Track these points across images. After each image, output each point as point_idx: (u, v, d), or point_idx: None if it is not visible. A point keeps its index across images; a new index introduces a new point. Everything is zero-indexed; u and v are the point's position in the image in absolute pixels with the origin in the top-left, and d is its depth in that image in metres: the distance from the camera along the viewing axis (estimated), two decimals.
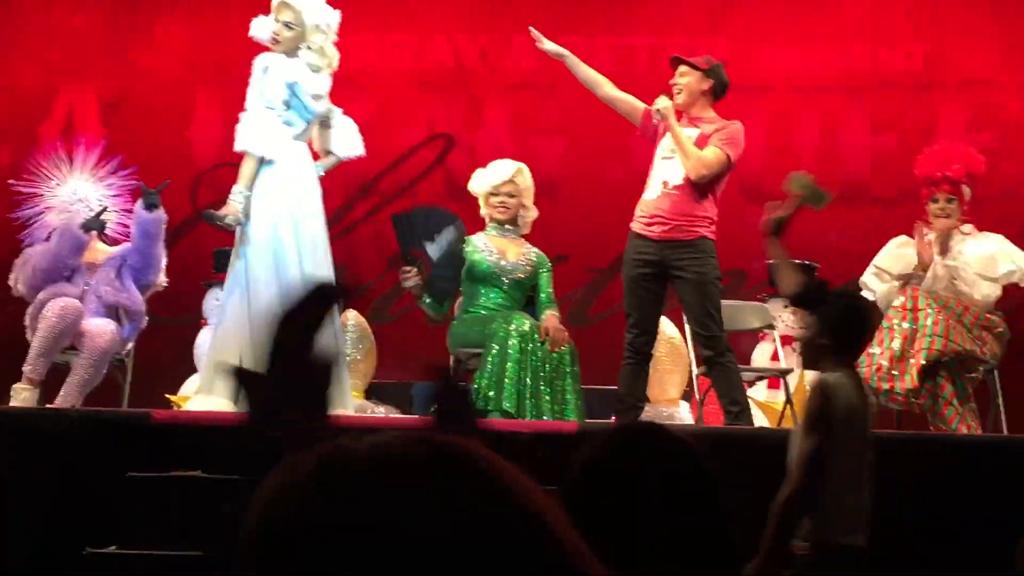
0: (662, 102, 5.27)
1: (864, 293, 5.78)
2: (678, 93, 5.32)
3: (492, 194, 5.66)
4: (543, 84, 7.76)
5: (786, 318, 6.70)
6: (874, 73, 7.65)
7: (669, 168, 5.27)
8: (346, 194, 7.80)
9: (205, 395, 5.08)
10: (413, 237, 5.54)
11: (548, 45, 5.53)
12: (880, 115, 7.65)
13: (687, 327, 5.67)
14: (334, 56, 5.48)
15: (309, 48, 5.37)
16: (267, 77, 5.30)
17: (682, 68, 5.35)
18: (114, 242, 6.38)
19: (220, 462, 3.98)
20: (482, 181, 5.70)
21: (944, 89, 7.60)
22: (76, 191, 6.26)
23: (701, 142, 5.26)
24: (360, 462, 0.74)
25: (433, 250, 5.49)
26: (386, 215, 7.82)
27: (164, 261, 5.99)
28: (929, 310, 5.24)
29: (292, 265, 5.21)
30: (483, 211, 5.74)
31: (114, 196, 6.19)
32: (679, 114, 5.33)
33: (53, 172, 6.22)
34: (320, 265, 5.29)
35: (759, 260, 7.19)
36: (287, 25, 5.34)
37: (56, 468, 3.99)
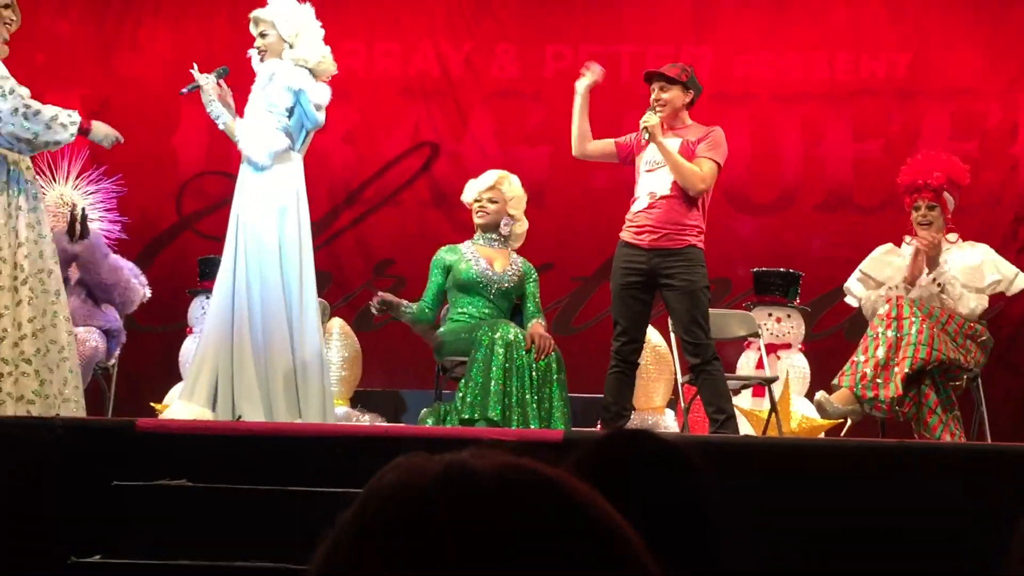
0: (651, 120, 5.25)
1: (848, 299, 5.81)
2: (662, 108, 5.30)
3: (475, 200, 5.70)
4: (528, 92, 7.77)
5: (771, 326, 6.73)
6: (857, 81, 7.69)
7: (655, 179, 5.27)
8: (332, 201, 7.79)
9: (186, 400, 5.08)
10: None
11: (586, 81, 5.42)
12: (863, 123, 7.68)
13: (672, 335, 5.69)
14: (327, 53, 5.40)
15: (292, 47, 5.32)
16: (272, 84, 5.28)
17: (663, 83, 5.32)
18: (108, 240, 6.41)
19: (206, 470, 3.97)
20: (470, 188, 5.74)
21: (927, 97, 7.63)
22: (62, 196, 6.27)
23: (685, 150, 5.26)
24: (484, 481, 0.81)
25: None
26: (371, 222, 7.84)
27: (129, 276, 5.97)
28: (913, 318, 5.26)
29: (275, 270, 5.20)
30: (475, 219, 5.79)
31: (100, 203, 6.19)
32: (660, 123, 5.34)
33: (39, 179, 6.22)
34: (305, 273, 5.28)
35: (744, 268, 7.22)
36: (263, 35, 5.32)
37: (40, 477, 3.97)
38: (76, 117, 4.64)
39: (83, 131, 4.69)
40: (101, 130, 4.72)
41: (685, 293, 5.19)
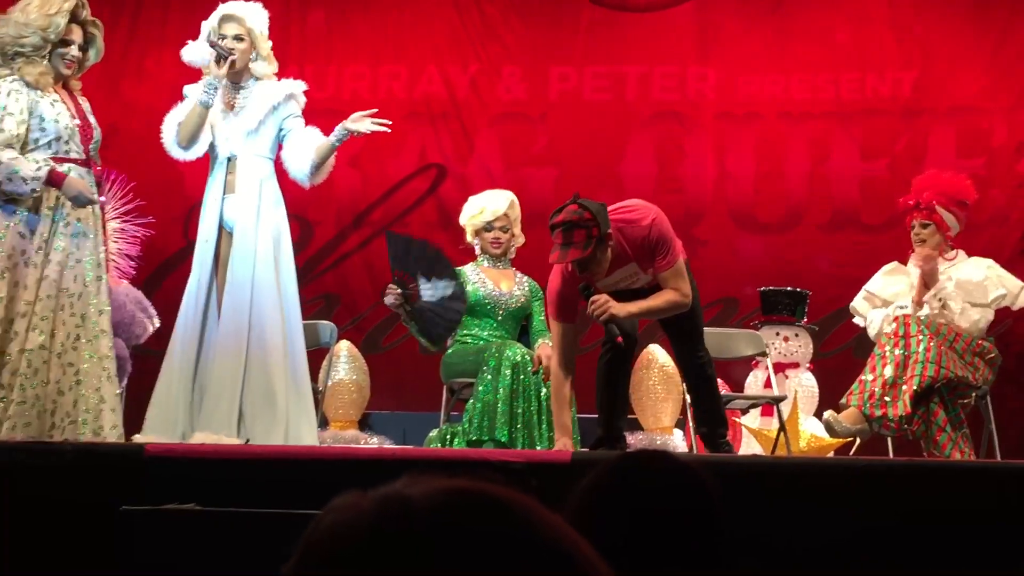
0: (601, 311, 4.51)
1: (856, 320, 5.80)
2: (597, 273, 4.59)
3: (486, 229, 5.64)
4: (534, 114, 7.79)
5: (778, 345, 6.72)
6: (863, 100, 7.69)
7: (628, 293, 4.75)
8: (339, 224, 7.81)
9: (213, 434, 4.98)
10: (407, 260, 5.50)
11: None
12: (869, 142, 7.68)
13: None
14: (275, 64, 5.24)
15: (259, 57, 5.14)
16: (288, 104, 5.14)
17: (577, 253, 4.46)
18: (120, 275, 6.42)
19: (215, 495, 3.96)
20: (476, 216, 5.66)
21: (933, 116, 7.64)
22: None
23: (645, 265, 4.66)
24: (420, 511, 0.79)
25: (427, 290, 5.43)
26: (379, 245, 7.84)
27: (133, 311, 5.98)
28: (921, 336, 5.26)
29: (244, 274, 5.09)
30: (470, 239, 5.73)
31: (120, 239, 6.23)
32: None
33: None
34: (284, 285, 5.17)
35: (750, 287, 7.21)
36: (237, 38, 5.07)
37: (48, 501, 3.97)
38: (41, 174, 4.66)
39: (53, 185, 4.71)
40: (73, 187, 4.71)
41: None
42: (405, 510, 0.80)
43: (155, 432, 4.94)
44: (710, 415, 5.08)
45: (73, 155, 4.80)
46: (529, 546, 0.79)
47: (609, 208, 4.62)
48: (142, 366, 6.44)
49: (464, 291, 5.49)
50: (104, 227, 4.99)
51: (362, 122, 5.08)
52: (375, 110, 5.15)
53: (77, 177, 4.75)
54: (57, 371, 4.71)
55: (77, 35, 4.86)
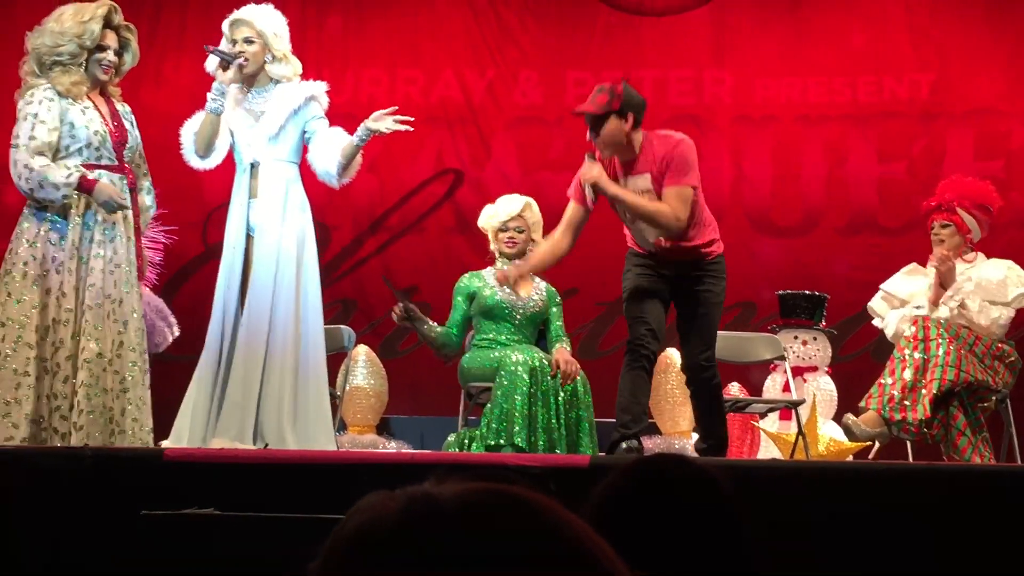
0: (589, 173, 4.71)
1: (875, 321, 5.79)
2: (604, 148, 4.72)
3: (501, 230, 5.68)
4: (550, 118, 7.80)
5: (797, 349, 6.70)
6: (880, 103, 7.68)
7: (639, 228, 4.83)
8: (356, 229, 7.83)
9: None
10: (404, 298, 5.67)
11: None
12: (887, 144, 7.67)
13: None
14: (298, 65, 5.20)
15: (275, 59, 5.10)
16: (310, 107, 5.12)
17: (595, 120, 4.67)
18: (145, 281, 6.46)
19: (234, 499, 3.98)
20: (492, 217, 5.73)
21: (951, 118, 7.62)
22: None
23: (657, 183, 4.73)
24: (448, 509, 0.80)
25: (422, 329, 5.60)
26: (396, 250, 7.86)
27: (153, 319, 6.01)
28: (940, 340, 5.24)
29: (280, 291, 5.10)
30: (492, 246, 5.76)
31: (147, 248, 6.27)
32: (615, 168, 4.77)
33: None
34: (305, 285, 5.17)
35: (768, 291, 7.20)
36: (247, 41, 5.06)
37: (69, 505, 3.99)
38: (72, 180, 4.70)
39: (84, 191, 4.74)
40: (103, 193, 4.74)
41: (706, 304, 4.86)
42: (433, 509, 0.80)
43: (181, 439, 4.94)
44: (701, 426, 5.05)
45: (104, 161, 4.83)
46: (554, 546, 0.80)
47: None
48: (164, 371, 6.47)
49: (452, 347, 5.63)
50: (138, 232, 5.01)
51: (384, 120, 5.07)
52: (396, 107, 5.14)
53: (108, 183, 4.78)
54: (111, 378, 4.75)
55: (112, 40, 4.90)
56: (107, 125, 4.86)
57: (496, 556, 0.78)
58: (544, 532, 0.80)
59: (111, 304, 4.78)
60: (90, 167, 4.78)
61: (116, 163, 4.87)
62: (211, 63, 5.19)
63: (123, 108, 5.00)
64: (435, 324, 5.62)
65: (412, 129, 5.14)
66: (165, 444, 4.96)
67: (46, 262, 4.75)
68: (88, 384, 4.67)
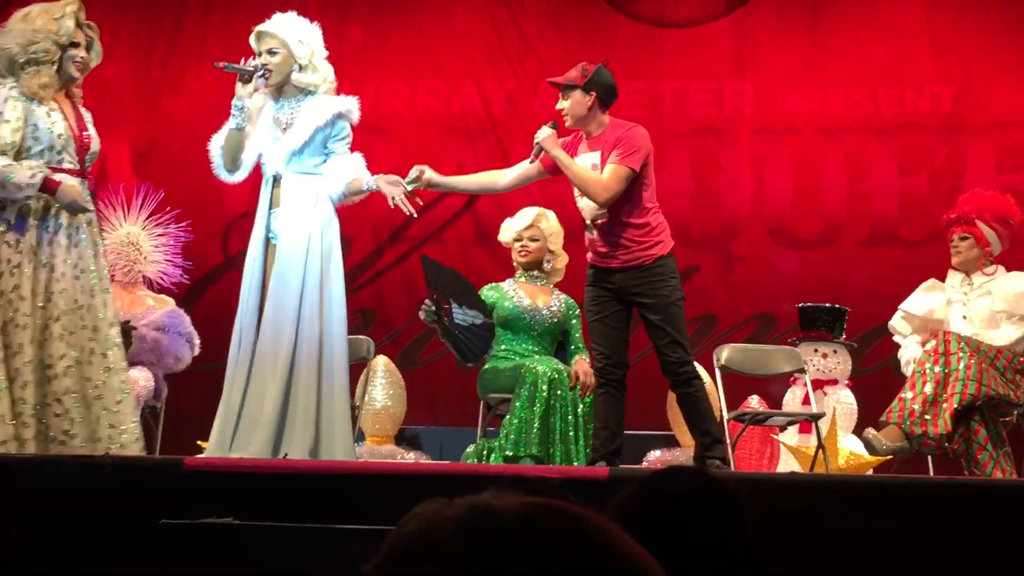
0: (541, 133, 5.02)
1: (895, 338, 5.76)
2: (565, 118, 5.03)
3: (516, 239, 5.71)
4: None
5: (817, 362, 6.68)
6: (901, 115, 7.66)
7: (585, 203, 5.03)
8: (376, 240, 7.84)
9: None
10: (439, 284, 5.54)
11: (437, 180, 5.19)
12: (908, 157, 7.64)
13: (718, 372, 5.63)
14: (329, 71, 5.15)
15: (301, 68, 5.06)
16: (335, 126, 5.06)
17: (561, 92, 5.03)
18: (160, 289, 6.50)
19: (253, 508, 3.98)
20: (507, 229, 5.75)
21: (972, 131, 7.59)
22: (128, 236, 6.41)
23: (604, 161, 4.97)
24: (510, 522, 0.82)
25: (458, 314, 5.48)
26: (415, 261, 7.87)
27: (167, 346, 6.04)
28: (961, 354, 5.21)
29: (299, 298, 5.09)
30: (513, 259, 5.79)
31: (165, 246, 6.30)
32: (576, 139, 5.06)
33: (108, 217, 6.41)
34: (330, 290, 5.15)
35: (788, 303, 7.18)
36: (271, 52, 5.04)
37: (89, 514, 4.00)
38: (35, 180, 4.64)
39: (48, 192, 4.69)
40: (67, 195, 4.70)
41: (659, 309, 4.95)
42: (495, 518, 0.82)
43: (214, 452, 4.93)
44: (693, 427, 5.04)
45: (66, 165, 4.77)
46: (611, 566, 0.82)
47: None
48: (186, 382, 6.49)
49: (492, 324, 5.52)
50: (100, 238, 4.97)
51: (397, 188, 5.00)
52: (414, 178, 5.10)
53: (72, 185, 4.72)
54: (86, 385, 4.73)
55: (81, 37, 4.85)
56: (72, 130, 4.80)
57: (554, 572, 0.80)
58: (601, 551, 0.82)
59: (79, 309, 4.73)
60: (52, 170, 4.72)
61: (78, 167, 4.81)
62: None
63: (87, 114, 4.94)
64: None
65: (416, 215, 5.12)
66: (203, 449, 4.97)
67: (1, 264, 4.69)
68: (74, 392, 4.66)
